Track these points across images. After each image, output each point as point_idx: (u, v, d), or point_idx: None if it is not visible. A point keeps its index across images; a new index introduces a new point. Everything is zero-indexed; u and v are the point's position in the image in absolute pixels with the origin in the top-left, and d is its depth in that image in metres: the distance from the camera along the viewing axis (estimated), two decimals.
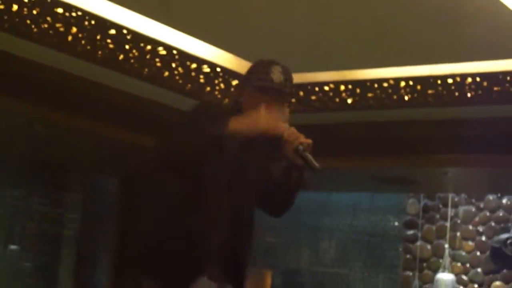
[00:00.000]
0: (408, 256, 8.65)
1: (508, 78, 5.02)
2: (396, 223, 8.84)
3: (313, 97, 5.81)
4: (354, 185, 8.08)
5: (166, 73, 5.46)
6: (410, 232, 8.61)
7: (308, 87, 5.66)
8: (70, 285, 8.53)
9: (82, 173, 8.79)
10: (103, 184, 8.89)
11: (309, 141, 3.03)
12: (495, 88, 5.22)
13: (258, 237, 8.41)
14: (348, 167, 6.75)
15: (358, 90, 5.58)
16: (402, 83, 5.35)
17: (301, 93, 5.79)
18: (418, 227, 8.56)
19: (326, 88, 5.60)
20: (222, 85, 5.70)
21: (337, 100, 5.82)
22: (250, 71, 3.21)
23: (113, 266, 8.35)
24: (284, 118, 3.08)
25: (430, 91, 5.42)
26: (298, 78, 5.42)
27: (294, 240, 9.29)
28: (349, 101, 5.80)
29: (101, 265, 8.61)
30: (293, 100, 3.18)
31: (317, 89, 5.65)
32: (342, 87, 5.56)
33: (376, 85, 5.43)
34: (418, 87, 5.36)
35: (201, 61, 5.35)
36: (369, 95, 5.55)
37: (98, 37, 4.99)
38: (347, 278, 8.92)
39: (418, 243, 8.54)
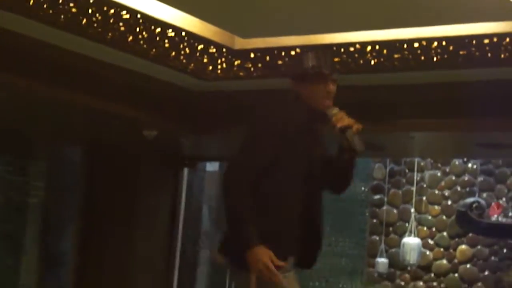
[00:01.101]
0: (374, 220, 8.76)
1: (474, 42, 5.02)
2: (363, 188, 8.91)
3: (279, 62, 5.76)
4: None
5: (130, 38, 5.38)
6: (377, 196, 8.72)
7: (274, 52, 5.61)
8: (36, 253, 8.49)
9: (46, 141, 8.70)
10: (67, 152, 8.82)
11: (352, 122, 3.33)
12: (461, 52, 5.21)
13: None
14: None
15: None
16: (368, 48, 5.33)
17: (267, 58, 5.75)
18: (385, 191, 8.64)
19: (292, 53, 5.52)
20: (187, 50, 5.64)
21: None
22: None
23: (78, 233, 8.33)
24: (330, 96, 3.41)
25: (396, 56, 5.40)
26: (263, 43, 5.59)
27: None
28: None
29: (67, 233, 8.57)
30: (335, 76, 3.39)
31: (283, 53, 5.60)
32: None
33: (342, 50, 5.40)
34: (384, 51, 5.34)
35: (165, 25, 5.27)
36: (335, 59, 5.48)
37: (60, 1, 4.88)
38: None
39: (385, 207, 8.62)
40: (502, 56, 5.17)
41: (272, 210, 3.34)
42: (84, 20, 5.12)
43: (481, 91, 5.73)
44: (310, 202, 3.41)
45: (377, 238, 8.63)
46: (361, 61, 5.50)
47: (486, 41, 4.99)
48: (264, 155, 3.35)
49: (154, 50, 5.65)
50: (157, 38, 5.41)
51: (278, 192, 3.34)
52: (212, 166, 9.34)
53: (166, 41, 5.45)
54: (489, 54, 5.17)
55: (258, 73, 6.06)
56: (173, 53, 5.71)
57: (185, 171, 8.60)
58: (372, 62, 5.52)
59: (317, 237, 3.46)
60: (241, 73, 6.12)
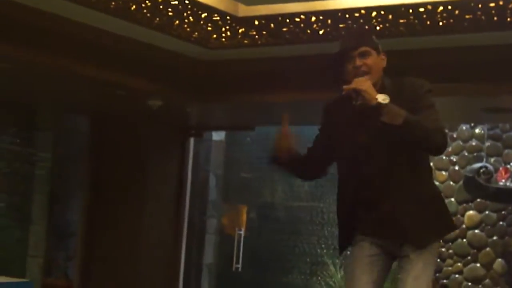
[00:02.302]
0: None
1: (480, 5, 4.96)
2: None
3: (284, 29, 5.73)
4: None
5: (133, 7, 5.34)
6: None
7: (278, 19, 5.57)
8: (43, 224, 8.53)
9: (52, 111, 8.70)
10: (74, 124, 8.82)
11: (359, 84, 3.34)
12: (467, 16, 5.16)
13: (234, 173, 8.50)
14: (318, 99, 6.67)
15: (329, 21, 5.45)
16: (374, 13, 5.26)
17: (272, 26, 5.72)
18: None
19: (297, 19, 5.49)
20: (191, 18, 5.60)
21: (309, 31, 5.72)
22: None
23: (85, 204, 8.35)
24: (359, 72, 3.44)
25: (401, 21, 5.35)
26: (267, 10, 5.52)
27: (269, 176, 9.19)
28: (321, 32, 5.70)
29: (75, 203, 8.60)
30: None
31: (287, 20, 5.56)
32: (313, 18, 5.42)
33: (347, 16, 5.32)
34: (390, 16, 5.29)
35: None
36: (341, 25, 5.47)
37: None
38: (321, 211, 8.90)
39: None
40: (508, 19, 5.12)
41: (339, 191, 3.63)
42: None
43: (487, 55, 5.69)
44: (376, 181, 3.45)
45: None
46: (367, 27, 5.43)
47: (492, 4, 4.91)
48: (316, 141, 3.66)
49: (157, 19, 5.62)
50: (161, 7, 5.36)
51: (340, 175, 3.58)
52: (218, 135, 9.32)
53: (170, 9, 5.40)
54: (495, 18, 5.12)
55: (263, 41, 6.05)
56: (177, 22, 5.68)
57: (191, 140, 8.62)
58: (378, 28, 5.46)
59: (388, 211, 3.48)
60: (245, 41, 6.10)
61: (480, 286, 8.00)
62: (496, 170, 7.97)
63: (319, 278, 8.18)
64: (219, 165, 9.34)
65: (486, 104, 6.48)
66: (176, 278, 8.60)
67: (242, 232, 8.87)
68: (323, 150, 3.59)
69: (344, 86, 3.34)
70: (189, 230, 8.66)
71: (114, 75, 6.21)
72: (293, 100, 6.62)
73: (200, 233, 9.13)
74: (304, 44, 6.00)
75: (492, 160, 8.10)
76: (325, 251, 8.64)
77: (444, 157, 8.29)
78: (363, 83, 3.31)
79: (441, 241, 7.90)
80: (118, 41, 6.04)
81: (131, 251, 7.95)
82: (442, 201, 3.62)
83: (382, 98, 3.24)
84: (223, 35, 5.98)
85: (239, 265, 8.85)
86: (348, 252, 3.75)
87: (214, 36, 6.00)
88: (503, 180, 7.98)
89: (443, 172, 8.36)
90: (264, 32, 5.85)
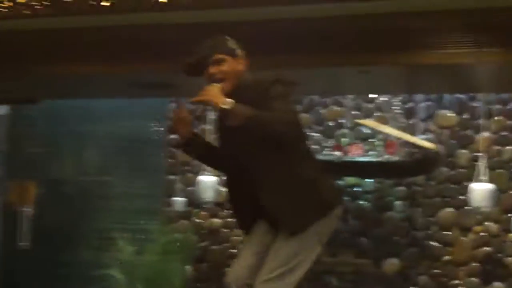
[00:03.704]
0: (170, 160, 8.65)
1: None
2: (158, 128, 8.81)
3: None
4: (113, 92, 7.82)
5: None
6: (172, 136, 8.39)
7: None
8: None
9: None
10: None
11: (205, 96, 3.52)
12: None
13: (20, 149, 8.11)
14: (104, 73, 6.67)
15: None
16: None
17: None
18: None
19: None
20: None
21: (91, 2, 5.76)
22: None
23: None
24: (215, 79, 3.62)
25: None
26: None
27: (57, 150, 9.07)
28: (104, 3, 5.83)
29: None
30: None
31: None
32: None
33: None
34: None
35: None
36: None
37: None
38: (112, 185, 8.84)
39: None
40: None
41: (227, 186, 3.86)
42: None
43: None
44: (250, 175, 3.60)
45: (174, 178, 8.58)
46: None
47: None
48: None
49: None
50: None
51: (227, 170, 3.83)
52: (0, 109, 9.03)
53: None
54: None
55: (45, 12, 6.02)
56: None
57: None
58: None
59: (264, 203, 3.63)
60: (26, 11, 6.02)
61: None
62: None
63: (109, 253, 8.04)
64: (2, 141, 9.05)
65: None
66: None
67: (30, 209, 8.65)
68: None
69: (192, 99, 3.48)
70: None
71: None
72: (77, 73, 6.58)
73: None
74: (89, 15, 5.99)
75: None
76: (114, 225, 8.57)
77: None
78: (209, 91, 3.46)
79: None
80: None
81: None
82: (316, 184, 3.66)
83: (227, 103, 3.38)
84: (2, 5, 5.87)
85: (27, 243, 8.58)
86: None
87: None
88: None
89: None
90: (46, 2, 5.83)
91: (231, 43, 3.66)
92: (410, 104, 8.04)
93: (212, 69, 3.58)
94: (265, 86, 3.53)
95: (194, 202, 8.37)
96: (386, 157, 7.71)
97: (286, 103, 3.50)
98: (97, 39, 6.25)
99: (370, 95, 8.12)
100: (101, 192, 8.84)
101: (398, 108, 8.04)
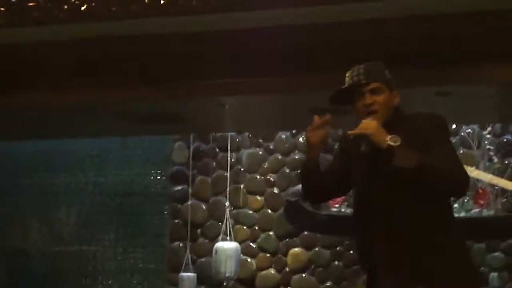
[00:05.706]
0: (176, 221, 7.91)
1: None
2: (159, 177, 8.10)
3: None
4: (96, 128, 7.09)
5: None
6: (178, 188, 7.87)
7: None
8: None
9: None
10: None
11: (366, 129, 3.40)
12: None
13: None
14: (82, 102, 6.09)
15: None
16: None
17: None
18: (189, 180, 7.87)
19: None
20: None
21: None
22: None
23: None
24: (368, 109, 3.45)
25: None
26: None
27: (19, 210, 8.27)
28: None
29: None
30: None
31: None
32: None
33: None
34: None
35: None
36: None
37: None
38: (94, 257, 8.02)
39: (189, 202, 7.84)
40: None
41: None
42: None
43: None
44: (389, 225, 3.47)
45: (181, 245, 7.74)
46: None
47: None
48: (330, 166, 3.73)
49: None
50: None
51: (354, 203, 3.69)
52: None
53: None
54: None
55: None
56: None
57: None
58: None
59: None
60: None
61: None
62: None
63: None
64: None
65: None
66: None
67: None
68: (338, 174, 3.69)
69: (349, 132, 3.51)
70: None
71: None
72: (46, 104, 6.04)
73: None
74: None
75: None
76: None
77: (258, 177, 7.68)
78: (370, 126, 3.44)
79: None
80: None
81: None
82: (465, 250, 3.60)
83: (393, 140, 3.36)
84: None
85: None
86: None
87: None
88: (337, 205, 7.33)
89: (258, 197, 7.65)
90: None
91: (388, 72, 3.67)
92: (506, 137, 7.70)
93: (369, 99, 3.55)
94: (430, 128, 3.47)
95: (209, 279, 7.61)
96: (476, 211, 7.38)
97: (452, 149, 3.49)
98: (78, 56, 5.67)
99: (451, 125, 7.57)
100: (80, 267, 8.05)
101: (490, 142, 7.67)
